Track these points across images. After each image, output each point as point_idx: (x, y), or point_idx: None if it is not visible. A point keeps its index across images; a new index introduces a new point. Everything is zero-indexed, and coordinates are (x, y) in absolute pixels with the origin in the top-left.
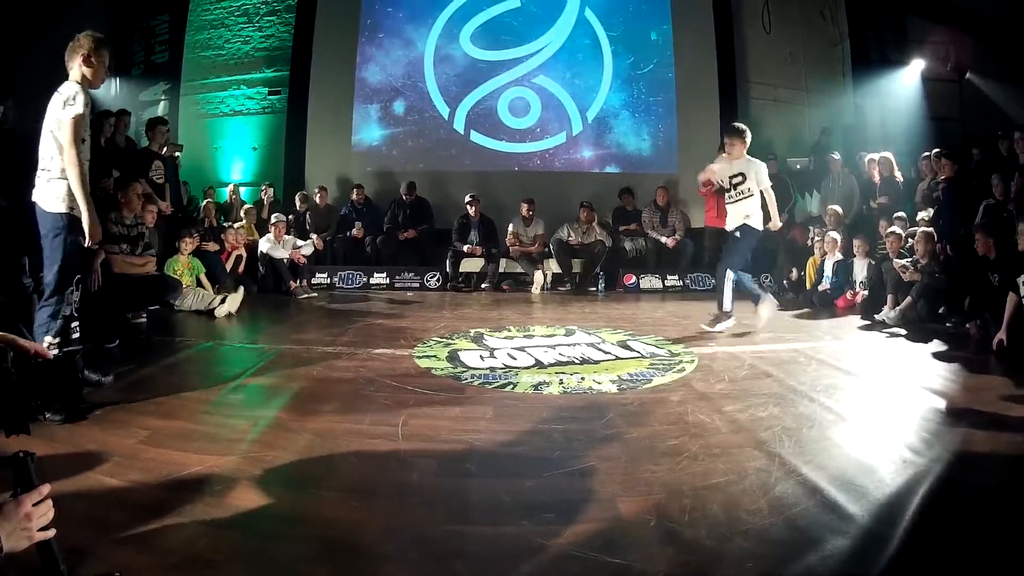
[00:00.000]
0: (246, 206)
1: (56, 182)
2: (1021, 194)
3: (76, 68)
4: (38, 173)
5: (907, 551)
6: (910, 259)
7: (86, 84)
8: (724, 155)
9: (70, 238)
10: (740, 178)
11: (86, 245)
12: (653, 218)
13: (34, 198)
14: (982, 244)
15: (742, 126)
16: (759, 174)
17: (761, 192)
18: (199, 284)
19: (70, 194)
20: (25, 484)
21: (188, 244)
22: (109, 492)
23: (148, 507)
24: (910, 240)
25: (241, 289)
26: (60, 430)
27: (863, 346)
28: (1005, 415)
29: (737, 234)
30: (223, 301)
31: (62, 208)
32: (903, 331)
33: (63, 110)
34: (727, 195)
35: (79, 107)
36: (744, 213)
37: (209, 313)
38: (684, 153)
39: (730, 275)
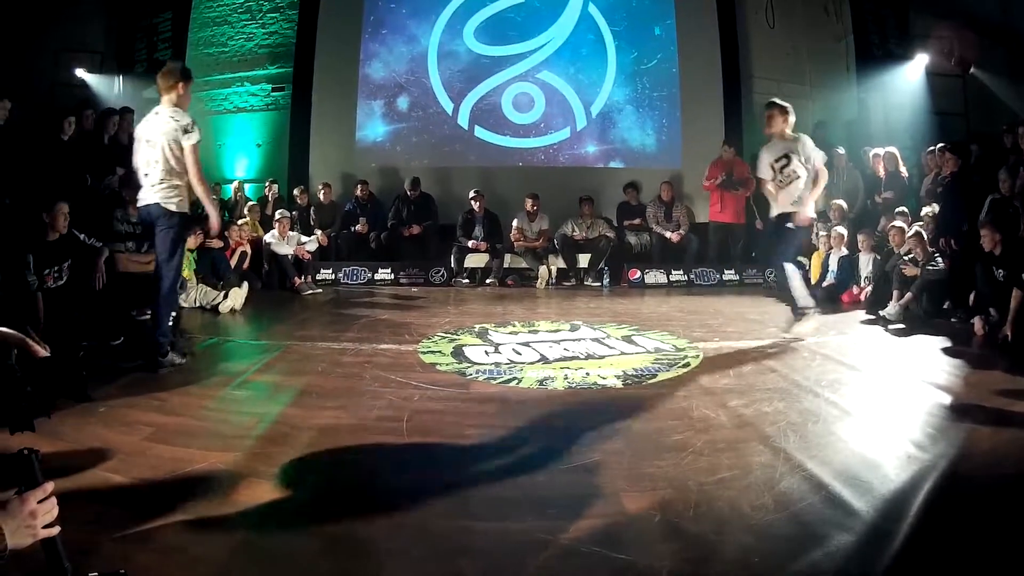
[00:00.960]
0: (251, 203)
1: (174, 188)
2: None
3: (174, 95)
4: (146, 178)
5: (912, 547)
6: (911, 256)
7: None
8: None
9: (181, 232)
10: (784, 160)
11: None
12: (657, 213)
13: (150, 199)
14: (988, 239)
15: (780, 101)
16: (806, 151)
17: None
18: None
19: (186, 199)
20: (30, 481)
21: (189, 240)
22: (114, 489)
23: (153, 504)
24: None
25: (245, 285)
26: (64, 427)
27: (868, 341)
28: (1009, 411)
29: (789, 224)
30: (226, 297)
31: (182, 208)
32: (904, 326)
33: (184, 136)
34: (776, 179)
35: (197, 135)
36: (794, 198)
37: (213, 309)
38: (688, 148)
39: (790, 268)
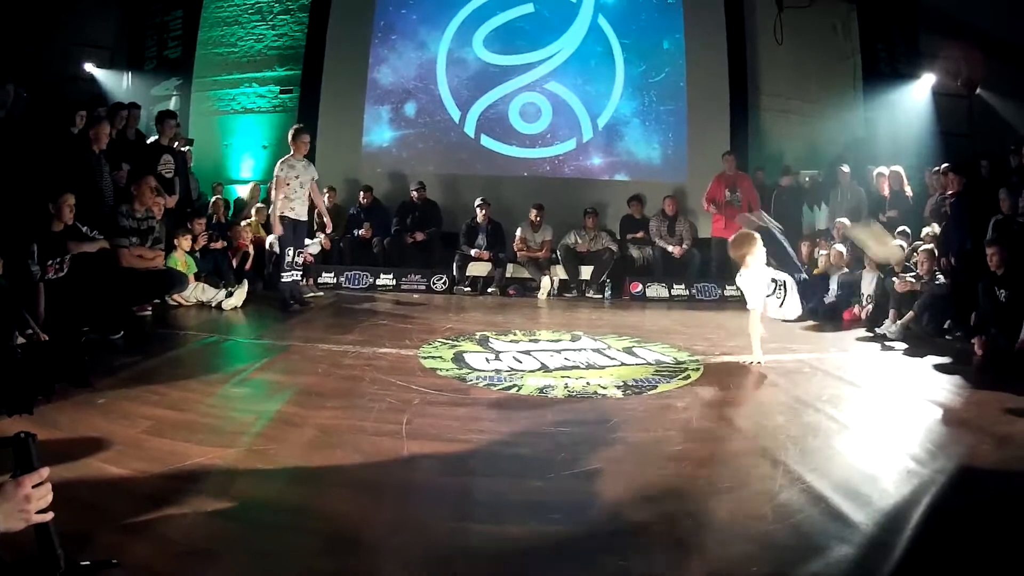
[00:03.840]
0: (257, 205)
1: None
2: None
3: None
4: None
5: (910, 560)
6: (912, 274)
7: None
8: None
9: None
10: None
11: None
12: (661, 227)
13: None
14: (997, 258)
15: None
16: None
17: None
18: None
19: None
20: (25, 466)
21: (184, 242)
22: (110, 480)
23: (149, 496)
24: (914, 254)
25: (245, 283)
26: (63, 416)
27: (868, 358)
28: (1009, 429)
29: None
30: (229, 295)
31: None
32: (904, 344)
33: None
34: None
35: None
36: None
37: (217, 307)
38: (694, 162)
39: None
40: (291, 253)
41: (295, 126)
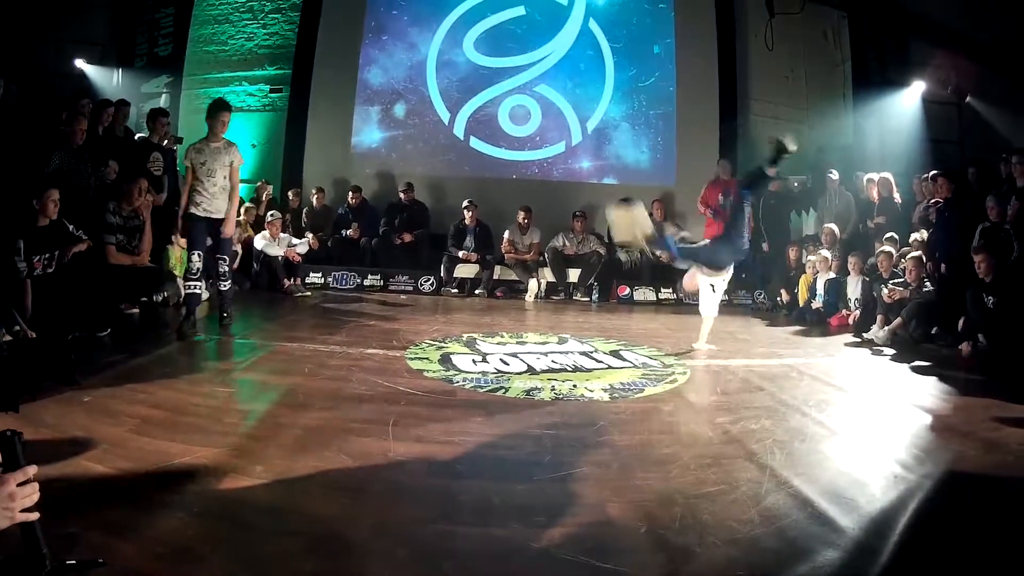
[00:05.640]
0: (246, 204)
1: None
2: (1019, 218)
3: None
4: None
5: (896, 565)
6: (900, 280)
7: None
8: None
9: None
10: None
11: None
12: None
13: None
14: (984, 266)
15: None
16: None
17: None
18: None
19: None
20: (11, 463)
21: (181, 239)
22: (96, 478)
23: (135, 495)
24: (901, 261)
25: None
26: (48, 414)
27: (855, 363)
28: (995, 435)
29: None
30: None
31: None
32: (892, 350)
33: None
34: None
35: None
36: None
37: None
38: (683, 166)
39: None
40: (196, 258)
41: (212, 101)
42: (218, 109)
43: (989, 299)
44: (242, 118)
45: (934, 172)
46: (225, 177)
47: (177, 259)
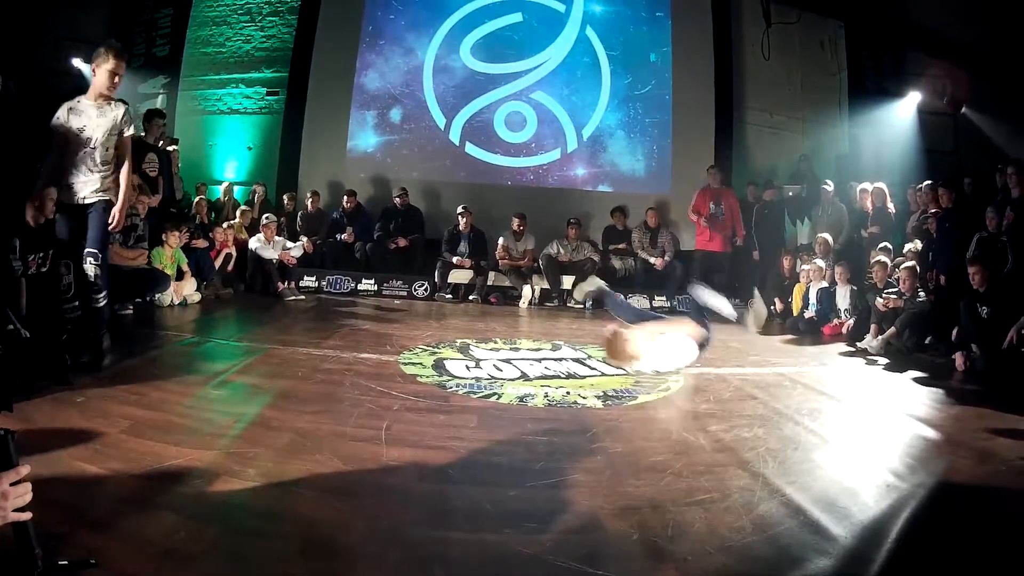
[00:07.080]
0: (241, 207)
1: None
2: (1012, 229)
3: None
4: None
5: (888, 574)
6: (895, 290)
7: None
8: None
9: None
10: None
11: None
12: (643, 238)
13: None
14: (979, 276)
15: None
16: None
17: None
18: (179, 276)
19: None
20: (4, 463)
21: (173, 238)
22: (88, 479)
23: (127, 497)
24: (895, 271)
25: (193, 281)
26: (41, 414)
27: (848, 372)
28: (988, 445)
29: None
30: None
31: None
32: (885, 359)
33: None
34: None
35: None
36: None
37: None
38: (678, 175)
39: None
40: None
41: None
42: (109, 51)
43: (983, 309)
44: (238, 121)
45: (934, 182)
46: (103, 146)
47: (169, 260)
